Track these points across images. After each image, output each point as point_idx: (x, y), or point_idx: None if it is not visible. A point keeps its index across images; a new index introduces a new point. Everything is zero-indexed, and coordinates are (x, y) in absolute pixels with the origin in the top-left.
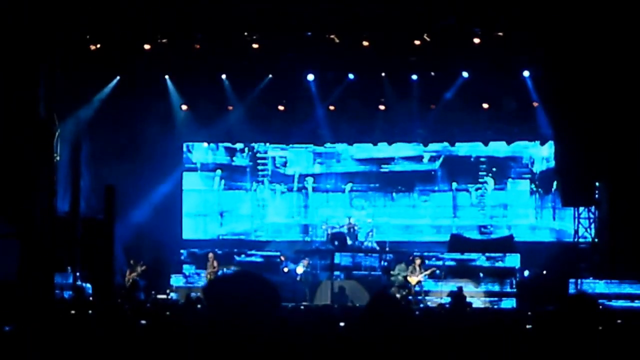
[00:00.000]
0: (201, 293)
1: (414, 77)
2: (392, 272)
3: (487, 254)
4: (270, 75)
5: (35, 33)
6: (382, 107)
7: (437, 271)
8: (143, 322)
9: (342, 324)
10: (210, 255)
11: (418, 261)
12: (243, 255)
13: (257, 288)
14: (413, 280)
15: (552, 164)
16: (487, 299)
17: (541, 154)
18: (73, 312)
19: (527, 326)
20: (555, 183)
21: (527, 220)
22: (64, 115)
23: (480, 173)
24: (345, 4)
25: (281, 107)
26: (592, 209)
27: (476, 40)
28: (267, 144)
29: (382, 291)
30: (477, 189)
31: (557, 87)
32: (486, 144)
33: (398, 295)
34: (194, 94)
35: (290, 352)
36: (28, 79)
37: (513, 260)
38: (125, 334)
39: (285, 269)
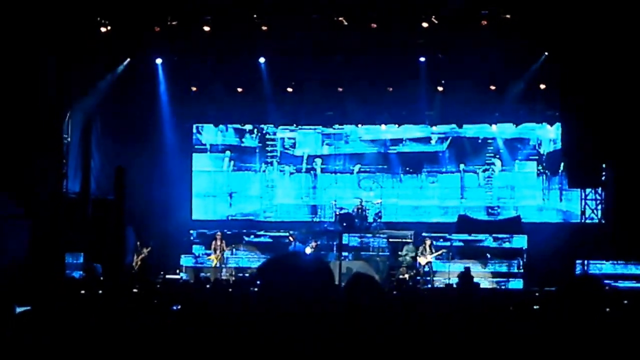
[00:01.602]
0: (256, 273)
1: (422, 59)
2: (400, 253)
3: (494, 235)
4: (279, 57)
5: (43, 15)
6: (390, 89)
7: (445, 251)
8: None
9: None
10: (218, 234)
11: (428, 242)
12: (252, 236)
13: (313, 269)
14: (423, 260)
15: (559, 145)
16: (495, 279)
17: (548, 136)
18: (83, 292)
19: (534, 307)
20: (562, 164)
21: (534, 202)
22: (74, 97)
23: (488, 155)
24: None
25: (290, 89)
26: (599, 190)
27: (484, 23)
28: (276, 126)
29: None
30: (484, 171)
31: (564, 69)
32: (493, 126)
33: (406, 276)
34: (204, 76)
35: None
36: (36, 60)
37: (520, 241)
38: (135, 313)
39: (294, 250)
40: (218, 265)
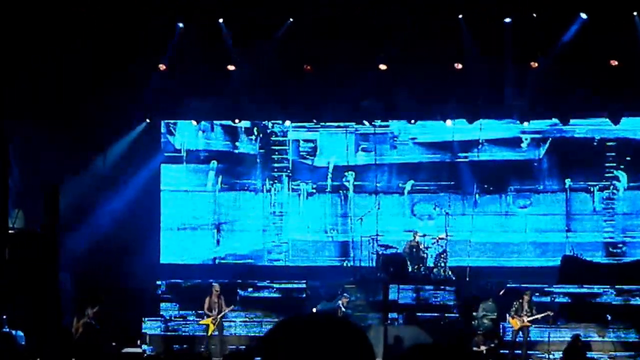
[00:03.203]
0: (257, 344)
1: (507, 19)
2: (474, 314)
3: (618, 286)
4: (292, 19)
5: None
6: (458, 66)
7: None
8: None
9: None
10: (215, 288)
11: (527, 297)
12: (250, 289)
13: (343, 338)
14: (517, 323)
15: None
16: (618, 353)
17: None
18: None
19: None
20: None
21: None
22: None
23: (608, 165)
24: None
25: (307, 67)
26: None
27: None
28: (287, 122)
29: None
30: (602, 189)
31: None
32: (616, 122)
33: (483, 348)
34: (177, 47)
35: None
36: None
37: None
38: None
39: (315, 310)
40: (216, 333)
